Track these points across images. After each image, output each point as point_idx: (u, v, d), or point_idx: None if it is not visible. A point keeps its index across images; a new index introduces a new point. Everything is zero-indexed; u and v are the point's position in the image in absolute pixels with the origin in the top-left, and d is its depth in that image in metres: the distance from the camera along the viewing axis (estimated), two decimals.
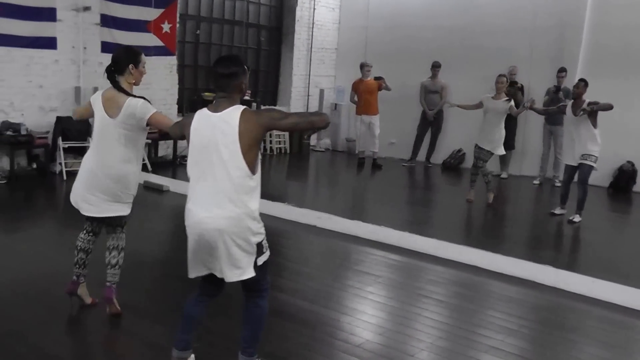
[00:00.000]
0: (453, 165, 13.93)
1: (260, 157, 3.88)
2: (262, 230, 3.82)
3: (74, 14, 10.80)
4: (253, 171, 3.71)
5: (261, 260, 3.81)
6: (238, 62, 3.87)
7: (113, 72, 4.74)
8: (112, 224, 4.94)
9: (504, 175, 12.88)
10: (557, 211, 9.53)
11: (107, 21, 11.12)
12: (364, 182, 12.56)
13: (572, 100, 9.21)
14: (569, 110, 9.06)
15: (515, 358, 4.70)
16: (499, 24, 13.25)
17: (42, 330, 4.71)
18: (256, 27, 15.10)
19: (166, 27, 11.90)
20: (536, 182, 12.19)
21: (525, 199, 10.84)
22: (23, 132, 9.91)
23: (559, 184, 10.54)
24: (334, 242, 7.71)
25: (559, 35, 12.57)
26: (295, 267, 6.63)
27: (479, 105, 9.97)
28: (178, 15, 12.34)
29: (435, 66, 13.53)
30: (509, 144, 12.74)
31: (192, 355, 4.07)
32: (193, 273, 3.87)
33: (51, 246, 6.96)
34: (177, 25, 12.32)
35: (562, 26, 12.54)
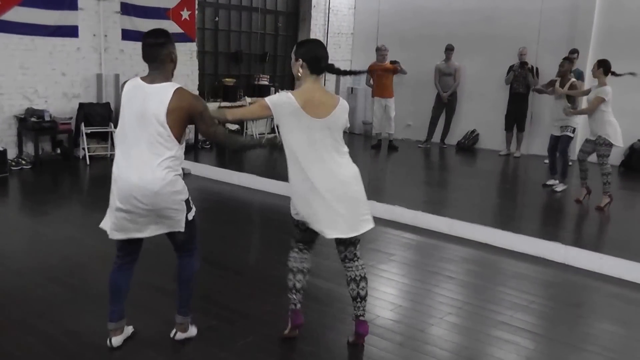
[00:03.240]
0: (467, 145, 14.06)
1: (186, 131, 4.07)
2: (186, 189, 4.05)
3: (95, 2, 10.99)
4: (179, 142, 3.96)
5: (190, 215, 4.07)
6: (166, 33, 4.09)
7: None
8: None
9: (517, 154, 13.07)
10: (550, 182, 10.02)
11: (127, 9, 11.29)
12: (380, 164, 12.69)
13: (559, 78, 9.64)
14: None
15: (525, 333, 4.80)
16: (509, 5, 13.33)
17: (67, 310, 4.86)
18: (273, 13, 15.23)
19: (185, 14, 12.07)
20: (547, 161, 12.28)
21: (537, 177, 10.94)
22: (47, 119, 10.12)
23: (570, 164, 10.66)
24: None
25: (569, 17, 12.61)
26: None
27: (587, 92, 9.38)
28: (196, 2, 12.49)
29: (449, 49, 13.70)
30: (520, 126, 12.95)
31: (129, 327, 4.38)
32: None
33: (76, 229, 7.14)
34: (196, 12, 12.48)
35: (573, 8, 12.59)
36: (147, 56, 4.01)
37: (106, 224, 4.10)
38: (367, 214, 4.28)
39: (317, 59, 4.23)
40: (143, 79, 3.99)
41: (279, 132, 4.27)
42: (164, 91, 3.88)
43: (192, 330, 4.40)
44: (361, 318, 4.39)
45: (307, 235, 4.35)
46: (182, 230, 4.04)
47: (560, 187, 9.73)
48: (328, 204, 4.10)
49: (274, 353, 4.35)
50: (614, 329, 5.07)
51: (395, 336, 4.66)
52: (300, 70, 4.23)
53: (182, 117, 3.90)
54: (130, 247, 4.17)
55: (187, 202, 4.04)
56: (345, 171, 4.23)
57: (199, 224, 4.23)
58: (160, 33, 4.07)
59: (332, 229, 4.14)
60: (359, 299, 4.35)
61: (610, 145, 8.68)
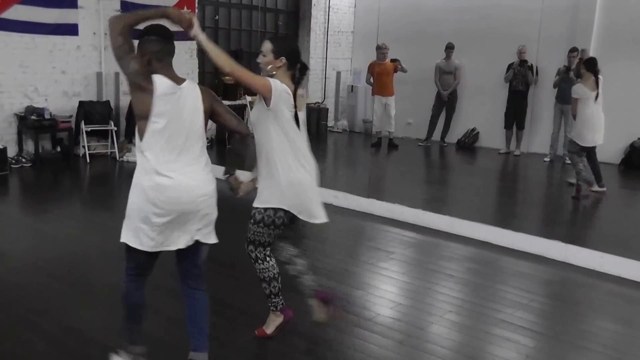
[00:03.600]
0: (467, 144, 14.05)
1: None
2: None
3: (95, 0, 10.99)
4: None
5: None
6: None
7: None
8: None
9: (516, 152, 13.08)
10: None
11: (127, 7, 11.25)
12: (381, 162, 12.71)
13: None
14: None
15: (525, 331, 4.80)
16: (509, 3, 13.34)
17: (67, 307, 4.87)
18: (273, 12, 15.24)
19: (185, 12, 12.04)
20: (546, 159, 12.32)
21: (537, 175, 10.96)
22: (47, 117, 10.11)
23: (569, 162, 10.68)
24: (350, 220, 7.82)
25: (570, 15, 12.60)
26: (312, 245, 6.71)
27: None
28: (197, 0, 12.49)
29: (449, 47, 13.71)
30: (520, 124, 12.97)
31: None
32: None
33: (76, 227, 7.16)
34: (196, 10, 12.47)
35: (574, 6, 12.58)
36: (166, 50, 3.61)
37: (134, 239, 3.60)
38: None
39: (298, 55, 4.23)
40: (170, 77, 3.55)
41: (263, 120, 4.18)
42: (195, 90, 3.64)
43: None
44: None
45: (278, 235, 4.36)
46: (214, 242, 3.79)
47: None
48: (317, 191, 4.35)
49: (274, 351, 4.35)
50: (614, 327, 5.07)
51: (395, 334, 4.65)
52: (278, 67, 4.12)
53: (208, 113, 3.71)
54: (151, 264, 3.73)
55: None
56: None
57: None
58: (165, 26, 3.74)
59: (322, 214, 4.36)
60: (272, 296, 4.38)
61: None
